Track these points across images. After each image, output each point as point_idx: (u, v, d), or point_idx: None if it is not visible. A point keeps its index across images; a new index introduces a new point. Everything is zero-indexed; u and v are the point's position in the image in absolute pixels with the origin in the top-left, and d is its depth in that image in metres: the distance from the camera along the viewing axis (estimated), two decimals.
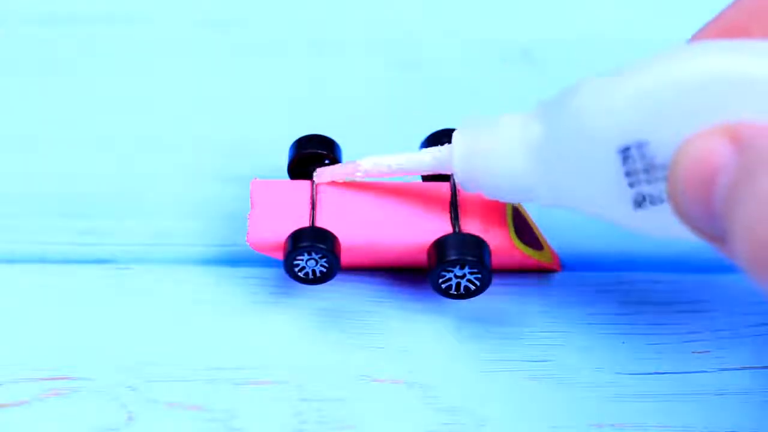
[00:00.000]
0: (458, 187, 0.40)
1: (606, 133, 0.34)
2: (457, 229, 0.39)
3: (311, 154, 0.40)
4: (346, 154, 0.41)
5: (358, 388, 0.38)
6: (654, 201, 0.34)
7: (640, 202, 0.34)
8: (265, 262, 0.41)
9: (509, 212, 0.40)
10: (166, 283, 0.41)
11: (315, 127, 0.42)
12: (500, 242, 0.39)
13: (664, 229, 0.35)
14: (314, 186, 0.40)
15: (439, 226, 0.39)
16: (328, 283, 0.39)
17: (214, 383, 0.38)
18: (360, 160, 0.39)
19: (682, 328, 0.40)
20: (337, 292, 0.40)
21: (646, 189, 0.34)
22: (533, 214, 0.41)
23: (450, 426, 0.37)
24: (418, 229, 0.39)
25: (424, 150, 0.38)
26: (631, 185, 0.34)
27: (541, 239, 0.41)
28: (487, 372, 0.39)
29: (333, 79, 0.48)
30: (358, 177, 0.39)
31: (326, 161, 0.41)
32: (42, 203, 0.43)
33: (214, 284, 0.41)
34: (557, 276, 0.41)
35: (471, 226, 0.39)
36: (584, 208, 0.36)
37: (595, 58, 0.49)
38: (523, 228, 0.40)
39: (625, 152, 0.34)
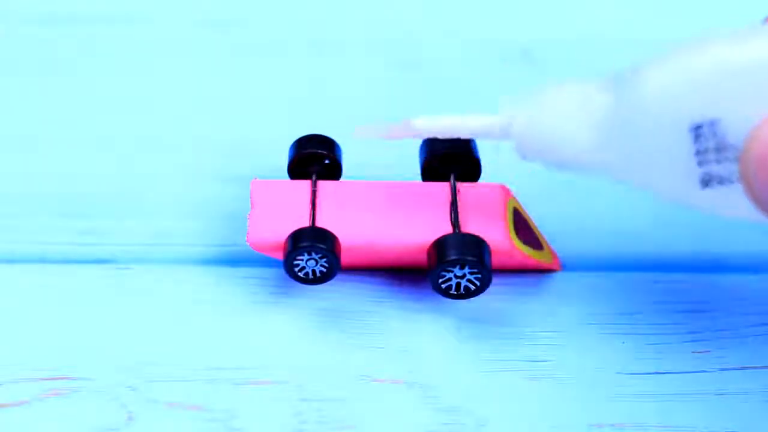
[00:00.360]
0: (458, 187, 0.40)
1: (679, 110, 0.33)
2: (457, 229, 0.39)
3: (311, 154, 0.40)
4: (346, 154, 0.41)
5: (358, 388, 0.38)
6: (722, 181, 0.33)
7: (707, 182, 0.33)
8: (265, 262, 0.41)
9: (509, 212, 0.40)
10: (166, 283, 0.41)
11: (315, 127, 0.42)
12: (500, 242, 0.39)
13: (729, 209, 0.34)
14: (314, 186, 0.40)
15: (439, 226, 0.39)
16: (328, 283, 0.39)
17: (214, 383, 0.38)
18: (412, 119, 0.38)
19: (682, 328, 0.40)
20: (337, 292, 0.40)
21: (714, 168, 0.33)
22: (533, 214, 0.41)
23: (450, 426, 0.37)
24: (418, 229, 0.39)
25: (485, 115, 0.37)
26: (699, 164, 0.33)
27: (541, 239, 0.41)
28: (487, 372, 0.39)
29: (333, 79, 0.48)
30: (407, 136, 0.38)
31: (326, 161, 0.41)
32: (42, 203, 0.43)
33: (214, 284, 0.41)
34: (557, 276, 0.41)
35: (471, 226, 0.39)
36: (646, 184, 0.35)
37: (595, 58, 0.49)
38: (523, 228, 0.40)
39: (697, 130, 0.33)
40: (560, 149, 0.36)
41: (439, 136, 0.37)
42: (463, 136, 0.37)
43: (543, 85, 0.36)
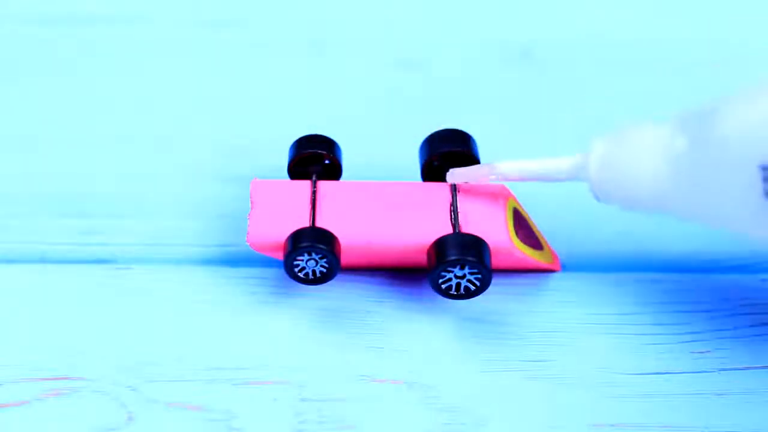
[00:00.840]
0: (458, 187, 0.40)
1: (748, 149, 0.34)
2: (457, 229, 0.39)
3: (311, 154, 0.41)
4: (346, 154, 0.41)
5: (358, 388, 0.38)
6: None
7: None
8: (265, 262, 0.41)
9: (509, 212, 0.40)
10: (166, 283, 0.41)
11: (315, 127, 0.42)
12: (500, 242, 0.39)
13: None
14: (314, 186, 0.40)
15: (439, 226, 0.39)
16: (328, 283, 0.39)
17: (214, 383, 0.38)
18: (497, 163, 0.39)
19: (682, 328, 0.40)
20: (337, 292, 0.40)
21: None
22: (533, 214, 0.41)
23: (450, 426, 0.37)
24: (418, 229, 0.39)
25: (561, 157, 0.38)
26: None
27: (541, 239, 0.41)
28: (487, 372, 0.39)
29: (333, 79, 0.48)
30: (492, 180, 0.39)
31: (326, 161, 0.41)
32: (42, 203, 0.43)
33: (214, 284, 0.41)
34: (557, 276, 0.41)
35: (471, 226, 0.39)
36: (721, 223, 0.36)
37: (595, 58, 0.49)
38: (523, 228, 0.40)
39: (766, 170, 0.34)
40: (636, 192, 0.36)
41: (522, 180, 0.39)
42: (544, 179, 0.38)
43: (620, 126, 0.37)
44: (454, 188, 0.40)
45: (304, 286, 0.40)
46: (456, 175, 0.40)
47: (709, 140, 0.35)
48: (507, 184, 0.40)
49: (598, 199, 0.37)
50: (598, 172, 0.37)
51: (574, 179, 0.38)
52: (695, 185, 0.35)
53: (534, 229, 0.41)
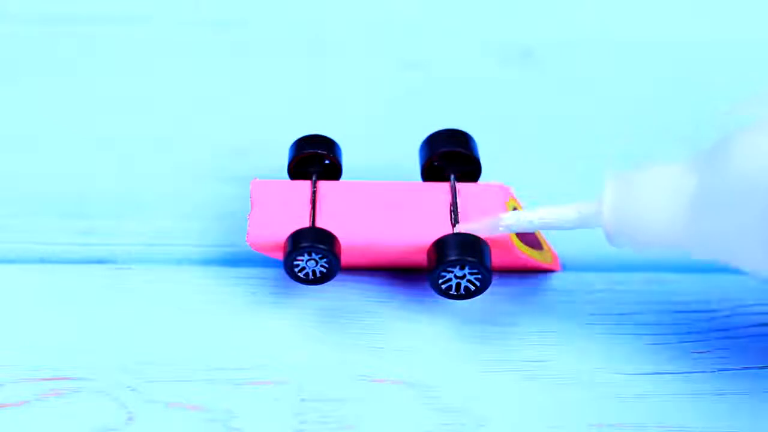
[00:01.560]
0: (458, 187, 0.40)
1: (760, 185, 0.34)
2: (457, 230, 0.39)
3: (311, 155, 0.40)
4: (346, 154, 0.41)
5: (358, 388, 0.38)
6: None
7: None
8: (265, 262, 0.41)
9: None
10: (166, 283, 0.41)
11: (315, 127, 0.42)
12: (500, 242, 0.39)
13: None
14: (314, 186, 0.40)
15: (439, 226, 0.39)
16: (328, 283, 0.39)
17: (214, 383, 0.38)
18: (502, 215, 0.38)
19: (682, 328, 0.40)
20: (337, 292, 0.40)
21: None
22: None
23: (450, 426, 0.37)
24: (418, 229, 0.39)
25: (569, 205, 0.38)
26: None
27: (541, 239, 0.41)
28: (487, 372, 0.39)
29: (333, 79, 0.48)
30: (500, 231, 0.38)
31: (326, 161, 0.41)
32: (42, 203, 0.43)
33: (214, 284, 0.41)
34: (557, 276, 0.41)
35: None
36: (739, 261, 0.35)
37: (596, 58, 0.49)
38: None
39: None
40: (650, 234, 0.36)
41: (532, 230, 0.38)
42: (554, 228, 0.38)
43: (630, 169, 0.37)
44: (454, 188, 0.40)
45: (304, 286, 0.40)
46: (461, 229, 0.39)
47: (721, 176, 0.34)
48: (507, 185, 0.40)
49: (611, 243, 0.37)
50: (611, 219, 0.37)
51: (587, 227, 0.38)
52: (711, 223, 0.35)
53: None
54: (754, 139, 0.34)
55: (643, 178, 0.36)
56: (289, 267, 0.38)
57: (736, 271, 0.41)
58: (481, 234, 0.38)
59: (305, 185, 0.40)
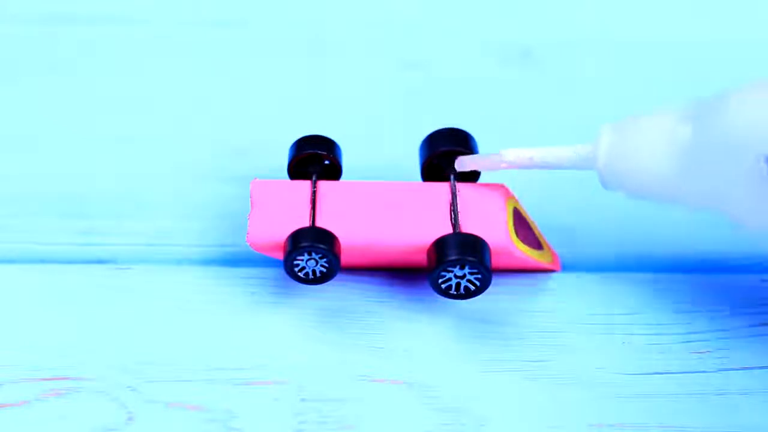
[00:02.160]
0: (458, 187, 0.40)
1: (752, 140, 0.34)
2: (457, 229, 0.39)
3: (311, 155, 0.40)
4: (346, 154, 0.41)
5: (358, 388, 0.38)
6: None
7: None
8: (265, 262, 0.41)
9: (509, 212, 0.40)
10: (166, 283, 0.41)
11: (315, 127, 0.42)
12: (500, 242, 0.39)
13: None
14: (314, 186, 0.40)
15: (439, 226, 0.39)
16: (328, 283, 0.39)
17: (214, 383, 0.38)
18: (503, 150, 0.39)
19: (682, 328, 0.40)
20: (337, 292, 0.40)
21: None
22: (533, 214, 0.41)
23: (450, 426, 0.37)
24: (418, 229, 0.39)
25: (568, 146, 0.38)
26: None
27: (541, 239, 0.41)
28: (487, 372, 0.39)
29: (333, 79, 0.48)
30: (501, 167, 0.39)
31: (326, 161, 0.41)
32: (42, 203, 0.43)
33: (214, 284, 0.41)
34: (557, 276, 0.41)
35: (471, 226, 0.39)
36: (727, 212, 0.36)
37: (595, 58, 0.49)
38: (523, 228, 0.40)
39: None
40: (642, 180, 0.37)
41: (529, 168, 0.39)
42: (551, 167, 0.38)
43: (629, 115, 0.37)
44: (454, 188, 0.40)
45: (304, 286, 0.40)
46: (464, 162, 0.40)
47: (715, 128, 0.35)
48: (507, 185, 0.40)
49: (605, 186, 0.38)
50: (606, 161, 0.37)
51: (582, 168, 0.38)
52: (701, 172, 0.35)
53: (534, 229, 0.41)
54: (749, 93, 0.35)
55: (639, 125, 0.37)
56: (289, 267, 0.38)
57: (736, 271, 0.41)
58: (484, 169, 0.39)
59: (305, 185, 0.40)
